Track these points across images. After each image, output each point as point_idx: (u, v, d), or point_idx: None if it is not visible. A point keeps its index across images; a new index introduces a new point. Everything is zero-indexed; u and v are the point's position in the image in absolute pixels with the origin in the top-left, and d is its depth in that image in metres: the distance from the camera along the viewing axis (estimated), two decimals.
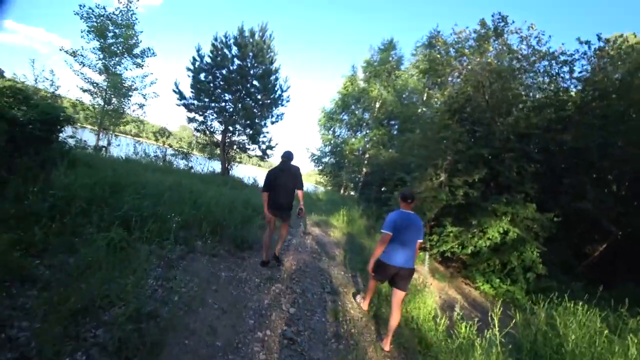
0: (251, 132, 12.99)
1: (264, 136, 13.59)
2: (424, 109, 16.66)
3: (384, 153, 14.24)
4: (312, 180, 29.95)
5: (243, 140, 13.69)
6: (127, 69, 11.44)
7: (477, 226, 7.24)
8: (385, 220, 3.49)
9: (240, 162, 15.70)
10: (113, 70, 11.11)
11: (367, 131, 22.02)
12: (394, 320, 3.34)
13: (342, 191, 24.24)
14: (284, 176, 4.24)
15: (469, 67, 8.44)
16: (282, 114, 13.59)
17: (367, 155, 22.13)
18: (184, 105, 13.21)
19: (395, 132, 20.18)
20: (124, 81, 11.43)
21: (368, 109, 22.23)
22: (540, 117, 7.77)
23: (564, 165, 8.20)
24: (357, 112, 22.49)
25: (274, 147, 13.94)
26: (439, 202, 7.03)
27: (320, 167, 25.06)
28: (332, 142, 23.52)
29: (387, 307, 4.05)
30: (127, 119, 12.41)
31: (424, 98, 18.86)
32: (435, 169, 7.23)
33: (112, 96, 11.27)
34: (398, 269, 3.34)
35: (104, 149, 10.64)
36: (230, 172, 14.58)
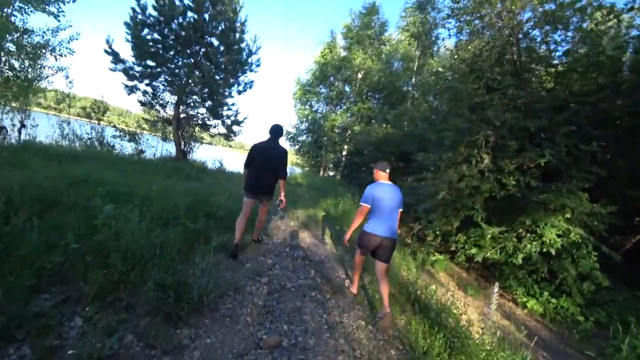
0: (212, 104, 10.35)
1: (229, 109, 10.94)
2: (425, 77, 14.64)
3: (377, 129, 12.20)
4: (287, 161, 27.44)
5: (202, 114, 11.02)
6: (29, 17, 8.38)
7: (522, 225, 5.48)
8: (363, 192, 3.48)
9: (203, 142, 13.06)
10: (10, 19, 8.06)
11: (350, 105, 19.80)
12: (384, 289, 3.34)
13: (321, 172, 22.18)
14: (270, 155, 3.80)
15: (501, 14, 6.41)
16: (252, 81, 11.00)
17: (349, 132, 20.03)
18: (123, 71, 10.31)
19: (383, 106, 18.11)
20: (28, 36, 8.40)
21: (350, 80, 19.88)
22: (590, 81, 5.96)
23: (616, 143, 6.54)
24: (337, 83, 20.07)
25: (242, 122, 11.33)
26: (481, 195, 5.14)
27: (297, 147, 22.73)
28: (309, 118, 21.12)
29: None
30: (39, 89, 9.40)
31: (415, 67, 16.82)
32: (473, 149, 5.27)
33: (12, 57, 8.26)
34: (382, 239, 3.37)
35: (3, 130, 7.81)
36: (189, 155, 11.99)
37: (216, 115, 10.70)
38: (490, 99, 5.45)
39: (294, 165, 23.33)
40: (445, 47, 14.31)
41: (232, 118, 11.00)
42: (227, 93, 10.48)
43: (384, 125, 12.01)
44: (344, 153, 20.75)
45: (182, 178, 7.17)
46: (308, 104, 22.25)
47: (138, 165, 7.22)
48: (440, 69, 7.45)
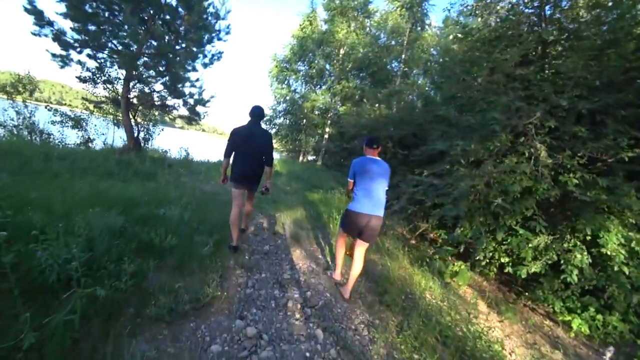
0: (170, 79, 8.42)
1: (192, 86, 9.02)
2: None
3: (368, 110, 10.73)
4: (273, 145, 25.42)
5: (158, 93, 9.04)
6: None
7: (574, 232, 4.31)
8: (350, 167, 3.35)
9: (175, 126, 11.08)
10: None
11: (332, 84, 18.14)
12: (356, 269, 3.26)
13: (301, 157, 20.63)
14: (254, 140, 3.50)
15: None
16: (220, 53, 9.08)
17: (331, 114, 18.47)
18: (54, 37, 8.14)
19: (371, 84, 16.59)
20: None
21: (332, 56, 18.14)
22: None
23: None
24: (317, 60, 18.27)
25: (207, 101, 9.45)
26: (533, 198, 3.87)
27: (274, 130, 20.94)
28: (287, 98, 19.29)
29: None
30: None
31: (405, 41, 15.32)
32: (520, 137, 3.94)
33: None
34: (369, 218, 3.16)
35: None
36: (146, 144, 10.07)
37: (176, 94, 8.77)
38: (537, 72, 4.11)
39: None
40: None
41: (196, 97, 9.10)
42: (189, 66, 8.57)
43: (377, 105, 10.59)
44: (326, 136, 19.26)
45: (128, 177, 5.48)
46: (286, 82, 20.36)
47: (67, 161, 5.41)
48: (460, 35, 5.98)
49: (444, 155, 5.37)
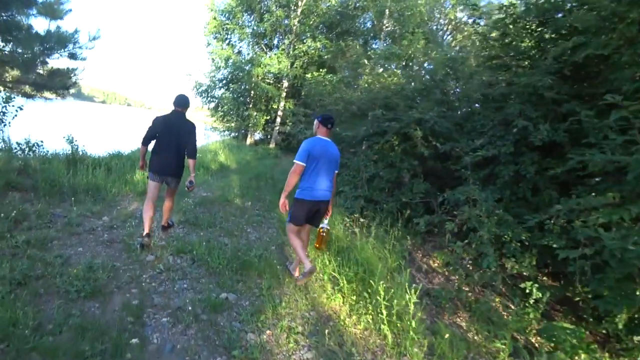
0: None
1: (36, 34, 4.65)
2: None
3: (370, 78, 7.17)
4: (196, 137, 20.33)
5: None
6: None
7: None
8: (299, 149, 3.05)
9: (82, 99, 6.53)
10: None
11: (292, 45, 14.17)
12: (304, 245, 3.18)
13: (248, 139, 16.64)
14: (176, 131, 3.42)
15: None
16: None
17: (289, 83, 14.63)
18: None
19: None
20: None
21: (290, 7, 14.07)
22: None
23: None
24: (273, 10, 14.05)
25: (80, 47, 5.21)
26: None
27: (212, 104, 16.50)
28: (230, 62, 14.93)
29: None
30: None
31: None
32: None
33: None
34: (319, 204, 3.11)
35: None
36: None
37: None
38: None
39: (211, 130, 17.18)
40: None
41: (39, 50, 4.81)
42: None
43: (386, 75, 7.14)
44: (279, 113, 15.48)
45: None
46: (227, 41, 15.86)
47: None
48: None
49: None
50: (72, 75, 5.29)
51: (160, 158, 3.40)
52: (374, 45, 13.21)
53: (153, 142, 3.49)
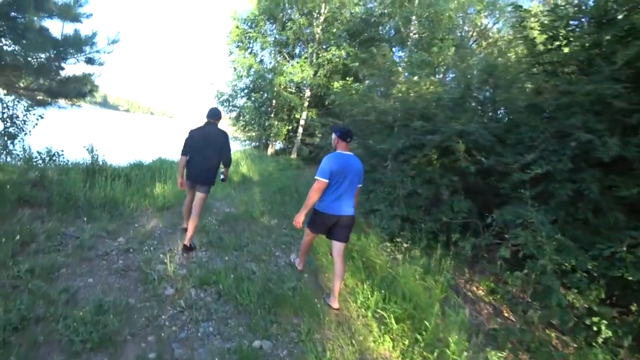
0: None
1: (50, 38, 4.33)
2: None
3: (412, 83, 6.63)
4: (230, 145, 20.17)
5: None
6: None
7: None
8: (320, 164, 3.03)
9: (107, 108, 6.35)
10: None
11: (315, 53, 13.87)
12: (340, 272, 3.07)
13: (269, 150, 16.33)
14: (207, 142, 3.61)
15: None
16: None
17: (311, 92, 14.31)
18: None
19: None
20: None
21: (313, 12, 13.81)
22: None
23: None
24: (296, 18, 13.83)
25: (96, 51, 4.83)
26: None
27: (234, 114, 16.33)
28: (252, 71, 14.74)
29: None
30: None
31: None
32: None
33: None
34: (338, 218, 3.06)
35: None
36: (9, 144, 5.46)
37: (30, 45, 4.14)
38: None
39: (232, 140, 16.94)
40: None
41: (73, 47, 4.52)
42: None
43: (425, 81, 6.58)
44: (302, 122, 15.13)
45: None
46: (249, 50, 15.72)
47: None
48: None
49: None
50: (87, 81, 4.92)
51: (194, 166, 3.61)
52: (400, 53, 12.75)
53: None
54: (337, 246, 3.13)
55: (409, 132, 5.96)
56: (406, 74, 7.53)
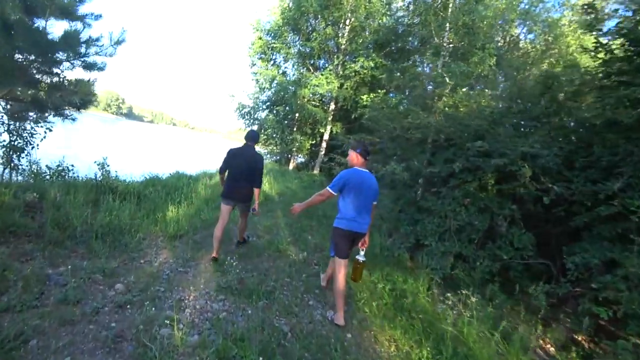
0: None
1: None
2: None
3: (464, 99, 5.75)
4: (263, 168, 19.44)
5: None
6: None
7: None
8: (336, 177, 3.09)
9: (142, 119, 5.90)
10: None
11: (340, 64, 13.26)
12: (339, 287, 3.00)
13: (291, 164, 15.68)
14: (246, 162, 3.84)
15: None
16: None
17: (332, 107, 13.64)
18: None
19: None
20: None
21: (338, 22, 13.26)
22: None
23: None
24: (322, 27, 13.31)
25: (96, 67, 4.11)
26: None
27: (255, 127, 15.81)
28: (274, 82, 14.25)
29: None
30: None
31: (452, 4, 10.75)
32: None
33: None
34: (354, 235, 3.08)
35: None
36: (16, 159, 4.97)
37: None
38: None
39: None
40: None
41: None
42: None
43: (480, 94, 5.72)
44: (325, 137, 14.45)
45: None
46: (272, 61, 15.30)
47: None
48: None
49: None
50: (83, 89, 4.16)
51: (232, 185, 3.80)
52: (426, 63, 11.99)
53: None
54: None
55: (461, 152, 5.15)
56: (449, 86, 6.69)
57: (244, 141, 3.99)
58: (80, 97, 4.15)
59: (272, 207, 6.99)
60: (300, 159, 16.86)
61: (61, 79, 4.02)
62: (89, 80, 4.16)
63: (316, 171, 14.74)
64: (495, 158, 4.39)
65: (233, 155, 3.85)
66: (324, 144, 14.61)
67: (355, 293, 3.69)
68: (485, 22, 11.31)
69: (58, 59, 3.72)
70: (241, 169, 3.79)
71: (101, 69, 4.12)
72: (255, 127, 15.45)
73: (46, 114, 4.57)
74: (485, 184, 4.84)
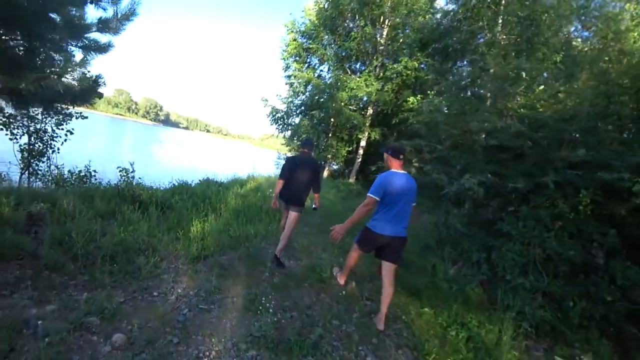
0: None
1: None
2: None
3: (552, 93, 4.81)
4: (322, 175, 18.81)
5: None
6: None
7: None
8: (374, 182, 3.01)
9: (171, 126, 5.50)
10: None
11: (379, 66, 12.39)
12: (388, 292, 2.95)
13: (325, 172, 14.87)
14: (303, 169, 4.02)
15: None
16: None
17: (374, 109, 12.77)
18: None
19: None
20: None
21: (377, 20, 12.41)
22: None
23: None
24: (362, 26, 12.51)
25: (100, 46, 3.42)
26: None
27: (288, 133, 15.20)
28: (310, 86, 13.61)
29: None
30: None
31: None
32: None
33: None
34: (389, 239, 2.98)
35: None
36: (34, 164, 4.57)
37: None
38: None
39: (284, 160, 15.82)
40: None
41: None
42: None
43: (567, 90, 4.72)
44: (362, 144, 13.59)
45: None
46: (307, 64, 14.70)
47: None
48: None
49: None
50: (89, 82, 3.55)
51: (288, 189, 3.97)
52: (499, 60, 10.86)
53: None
54: (387, 267, 3.05)
55: (544, 163, 4.16)
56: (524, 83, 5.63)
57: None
58: (80, 87, 3.51)
59: (310, 221, 6.19)
60: (334, 166, 16.07)
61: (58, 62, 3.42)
62: (84, 59, 3.50)
63: (352, 179, 13.87)
64: (595, 171, 3.44)
65: (294, 164, 4.06)
66: (360, 151, 13.75)
67: (421, 343, 2.80)
68: (546, 16, 10.08)
69: (52, 38, 3.07)
70: (297, 175, 3.95)
71: (104, 50, 3.44)
72: (288, 133, 14.86)
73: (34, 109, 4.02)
74: (576, 204, 3.78)
